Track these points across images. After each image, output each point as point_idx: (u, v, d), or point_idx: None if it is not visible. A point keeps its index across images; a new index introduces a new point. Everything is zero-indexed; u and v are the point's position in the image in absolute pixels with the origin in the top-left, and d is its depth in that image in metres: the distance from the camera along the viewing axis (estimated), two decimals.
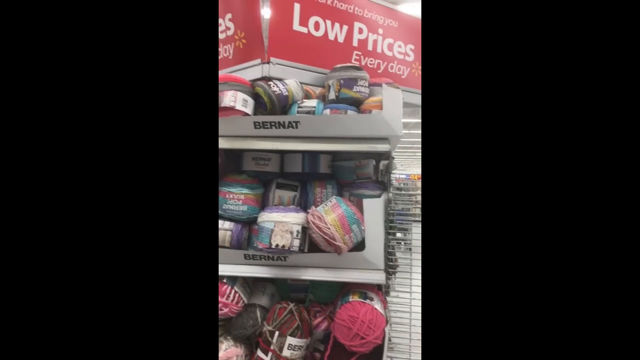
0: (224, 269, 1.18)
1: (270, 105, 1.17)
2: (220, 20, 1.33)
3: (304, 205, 1.27)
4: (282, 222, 1.12)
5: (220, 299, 1.16)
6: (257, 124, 1.13)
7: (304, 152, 1.30)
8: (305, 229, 1.15)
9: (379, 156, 1.34)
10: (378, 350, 1.12)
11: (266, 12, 1.21)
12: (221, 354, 1.17)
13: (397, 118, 1.10)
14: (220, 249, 1.20)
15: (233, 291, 1.18)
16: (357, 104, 1.25)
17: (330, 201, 1.17)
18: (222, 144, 1.16)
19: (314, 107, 1.20)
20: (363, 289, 1.19)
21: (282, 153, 1.33)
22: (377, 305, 1.14)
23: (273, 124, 1.12)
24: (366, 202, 1.16)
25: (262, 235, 1.13)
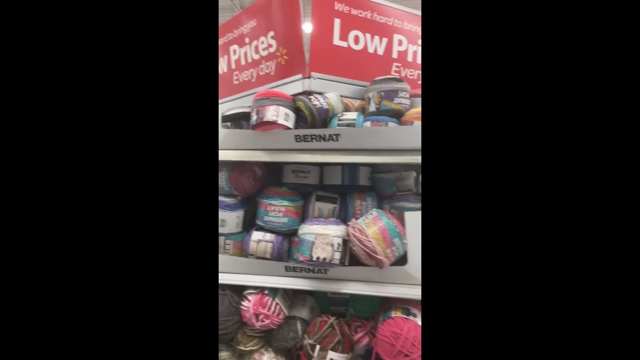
0: (265, 281, 1.19)
1: (311, 119, 1.19)
2: (263, 38, 1.38)
3: (343, 217, 1.27)
4: (323, 235, 1.12)
5: (262, 310, 1.17)
6: (298, 137, 1.14)
7: (343, 165, 1.30)
8: (346, 242, 1.14)
9: (420, 168, 1.31)
10: None
11: (307, 28, 1.24)
12: None
13: None
14: (261, 261, 1.22)
15: (274, 303, 1.19)
16: (398, 115, 1.24)
17: (371, 214, 1.16)
18: (264, 157, 1.18)
19: (354, 119, 1.21)
20: (405, 305, 1.16)
21: (321, 165, 1.34)
22: (421, 322, 1.10)
23: (314, 137, 1.14)
24: (408, 215, 1.14)
25: (303, 248, 1.13)
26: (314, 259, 1.09)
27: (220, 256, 1.25)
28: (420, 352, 1.05)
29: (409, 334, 1.04)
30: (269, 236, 1.25)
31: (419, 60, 1.44)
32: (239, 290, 1.24)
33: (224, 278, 1.22)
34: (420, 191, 1.36)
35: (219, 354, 1.23)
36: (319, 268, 1.16)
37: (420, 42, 1.44)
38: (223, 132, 1.22)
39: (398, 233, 1.10)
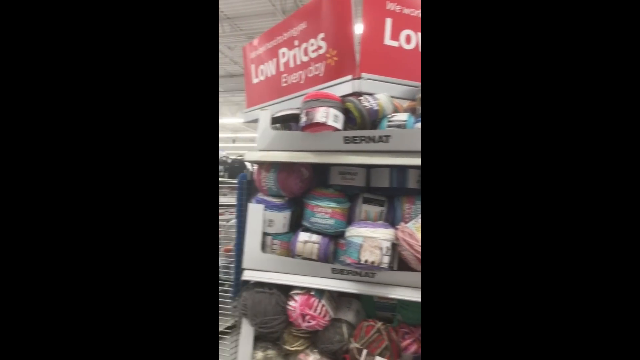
0: (311, 282, 1.19)
1: (361, 120, 1.17)
2: (313, 40, 1.39)
3: (391, 221, 1.24)
4: (371, 238, 1.10)
5: (308, 311, 1.17)
6: (347, 138, 1.14)
7: (391, 167, 1.27)
8: (394, 246, 1.12)
9: None
10: None
11: (358, 28, 1.23)
12: None
13: None
14: (308, 262, 1.22)
15: (320, 304, 1.18)
16: None
17: (421, 217, 1.13)
18: (312, 158, 1.19)
19: (405, 120, 1.18)
20: None
21: (368, 168, 1.32)
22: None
23: (363, 138, 1.12)
24: None
25: (351, 250, 1.12)
26: (362, 261, 1.08)
27: (267, 255, 1.26)
28: None
29: None
30: (315, 237, 1.25)
31: None
32: (286, 290, 1.25)
33: (270, 277, 1.23)
34: None
35: (266, 352, 1.25)
36: (366, 271, 1.14)
37: None
38: (272, 134, 1.24)
39: None
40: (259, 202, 1.31)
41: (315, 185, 1.34)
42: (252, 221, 1.29)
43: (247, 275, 1.26)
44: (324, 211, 1.26)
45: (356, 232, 1.13)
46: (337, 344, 1.18)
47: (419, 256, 1.05)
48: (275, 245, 1.31)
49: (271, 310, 1.21)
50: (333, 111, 1.15)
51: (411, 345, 1.17)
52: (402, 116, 1.19)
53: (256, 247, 1.27)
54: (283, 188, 1.31)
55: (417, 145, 1.09)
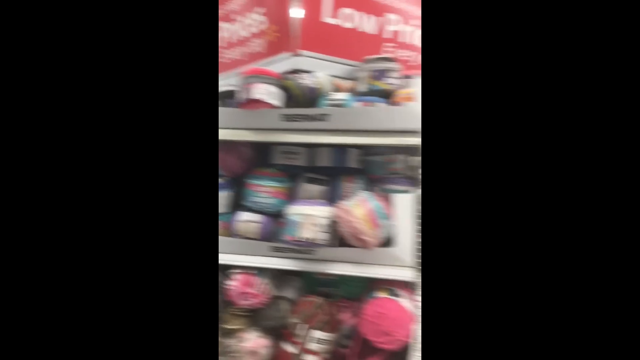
0: (251, 260, 1.19)
1: (300, 98, 1.16)
2: (253, 15, 1.34)
3: (332, 200, 1.25)
4: (309, 215, 1.11)
5: (247, 289, 1.17)
6: (285, 116, 1.12)
7: (333, 146, 1.28)
8: (333, 223, 1.13)
9: (410, 150, 1.30)
10: (406, 349, 1.09)
11: (297, 5, 1.20)
12: (248, 344, 1.19)
13: None
14: (248, 241, 1.21)
15: (260, 282, 1.18)
16: (388, 96, 1.21)
17: (359, 195, 1.15)
18: (250, 136, 1.16)
19: (344, 99, 1.18)
20: (392, 286, 1.16)
21: (311, 147, 1.32)
22: (406, 303, 1.10)
23: (302, 116, 1.12)
24: (396, 198, 1.13)
25: (290, 228, 1.13)
26: (300, 239, 1.09)
27: None
28: (405, 332, 1.06)
29: (393, 314, 1.05)
30: (256, 217, 1.25)
31: (412, 41, 1.41)
32: (225, 270, 1.23)
33: None
34: (410, 174, 1.35)
35: None
36: (305, 249, 1.16)
37: (415, 22, 1.40)
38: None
39: (386, 215, 1.10)
40: None
41: (257, 165, 1.32)
42: None
43: None
44: (265, 190, 1.25)
45: (295, 210, 1.14)
46: (278, 320, 1.19)
47: (355, 232, 1.08)
48: None
49: None
50: (271, 88, 1.13)
51: (349, 319, 1.21)
52: (341, 95, 1.20)
53: None
54: (223, 167, 1.28)
55: (355, 124, 1.10)
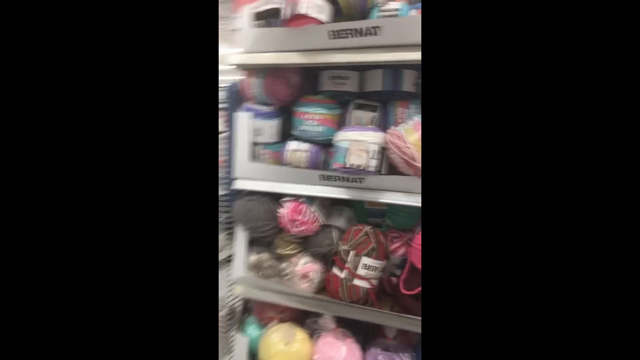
0: (300, 189, 1.18)
1: (349, 10, 1.05)
2: None
3: (383, 126, 1.17)
4: (358, 141, 1.06)
5: (297, 217, 1.18)
6: (332, 33, 1.03)
7: (385, 68, 1.17)
8: (383, 150, 1.07)
9: None
10: None
11: None
12: (299, 268, 1.23)
13: None
14: (296, 169, 1.20)
15: (310, 210, 1.19)
16: None
17: (413, 120, 1.06)
18: (295, 59, 1.09)
19: (399, 9, 1.04)
20: None
21: (361, 71, 1.22)
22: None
23: (350, 31, 1.01)
24: None
25: (338, 155, 1.08)
26: (348, 165, 1.05)
27: (256, 165, 1.25)
28: None
29: None
30: (305, 146, 1.22)
31: None
32: (276, 199, 1.25)
33: (260, 186, 1.23)
34: None
35: (260, 255, 1.30)
36: (354, 177, 1.12)
37: None
38: (253, 33, 1.13)
39: None
40: (247, 110, 1.26)
41: (305, 91, 1.26)
42: (240, 130, 1.25)
43: (238, 185, 1.27)
44: (313, 118, 1.20)
45: (343, 137, 1.08)
46: (327, 247, 1.21)
47: (407, 159, 1.00)
48: (264, 155, 1.28)
49: (262, 217, 1.23)
50: (317, 1, 1.03)
51: (399, 248, 1.18)
52: (395, 4, 1.06)
53: (245, 156, 1.25)
54: (270, 95, 1.24)
55: (412, 37, 0.97)
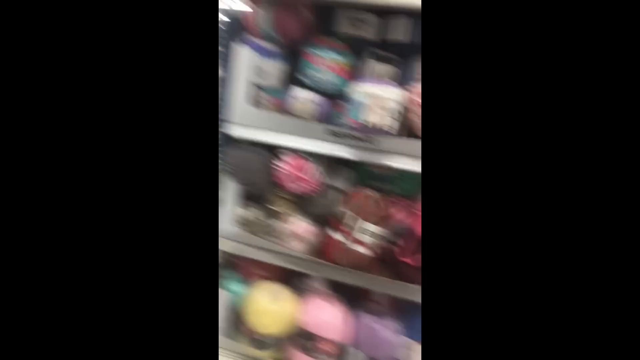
0: (304, 143, 1.07)
1: None
2: None
3: (404, 82, 1.06)
4: (378, 97, 0.94)
5: (297, 173, 1.08)
6: None
7: (412, 16, 1.04)
8: (404, 109, 0.97)
9: None
10: None
11: None
12: (292, 226, 1.15)
13: None
14: (303, 121, 1.08)
15: (312, 168, 1.09)
16: None
17: None
18: None
19: None
20: None
21: (384, 16, 1.08)
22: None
23: None
24: None
25: (352, 110, 0.97)
26: (365, 123, 0.94)
27: (256, 111, 1.10)
28: None
29: None
30: (314, 97, 1.08)
31: None
32: (273, 151, 1.13)
33: (258, 135, 1.10)
34: None
35: (249, 210, 1.20)
36: (367, 136, 1.01)
37: None
38: None
39: None
40: (249, 45, 1.09)
41: (318, 31, 1.11)
42: (239, 67, 1.08)
43: (234, 131, 1.12)
44: (324, 63, 1.06)
45: (361, 89, 0.97)
46: (327, 208, 1.13)
47: None
48: (264, 100, 1.14)
49: (256, 169, 1.11)
50: None
51: (402, 216, 1.13)
52: None
53: (243, 98, 1.09)
54: (279, 30, 1.08)
55: None
